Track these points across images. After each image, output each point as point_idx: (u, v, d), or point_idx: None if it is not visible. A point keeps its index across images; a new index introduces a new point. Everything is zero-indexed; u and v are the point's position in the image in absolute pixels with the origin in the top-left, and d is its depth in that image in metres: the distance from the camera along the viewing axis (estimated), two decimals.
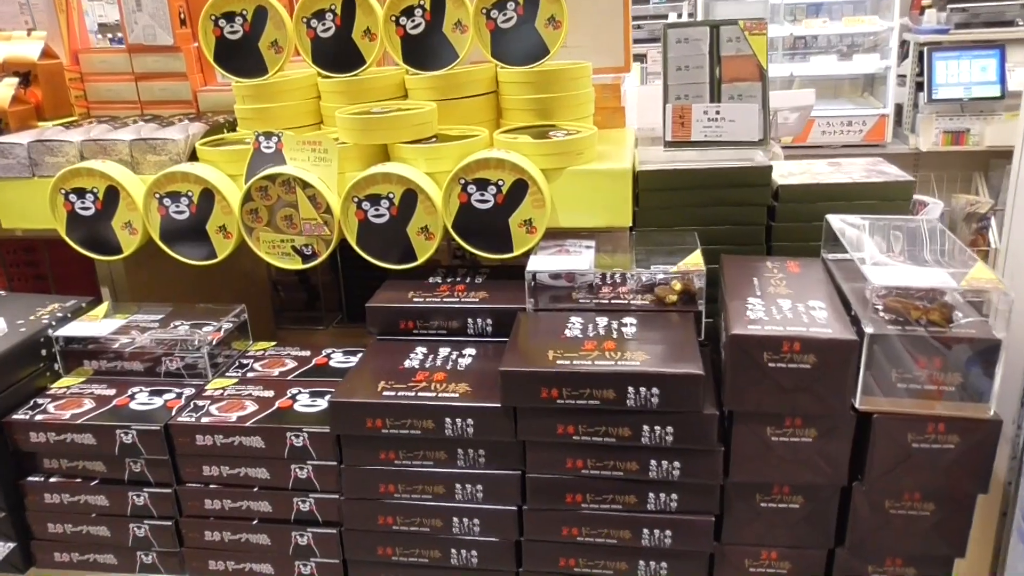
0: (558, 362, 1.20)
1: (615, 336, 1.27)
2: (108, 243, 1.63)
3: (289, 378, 1.48)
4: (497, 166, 1.45)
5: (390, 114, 1.56)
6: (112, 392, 1.45)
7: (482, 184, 1.47)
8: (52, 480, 1.41)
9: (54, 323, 1.53)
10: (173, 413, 1.37)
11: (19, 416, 1.39)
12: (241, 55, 1.73)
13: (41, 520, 1.43)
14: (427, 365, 1.36)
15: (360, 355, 1.55)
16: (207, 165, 1.59)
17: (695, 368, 1.16)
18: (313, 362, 1.54)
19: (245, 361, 1.56)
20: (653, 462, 1.21)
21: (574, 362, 1.19)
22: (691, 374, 1.15)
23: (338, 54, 1.71)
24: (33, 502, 1.42)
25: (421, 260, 1.54)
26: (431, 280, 1.56)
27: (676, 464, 1.21)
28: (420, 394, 1.26)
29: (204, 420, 1.34)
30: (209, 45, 1.73)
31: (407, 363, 1.37)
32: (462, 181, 1.47)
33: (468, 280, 1.55)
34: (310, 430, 1.31)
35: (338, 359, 1.54)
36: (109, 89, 1.99)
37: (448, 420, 1.24)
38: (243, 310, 1.61)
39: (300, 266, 1.58)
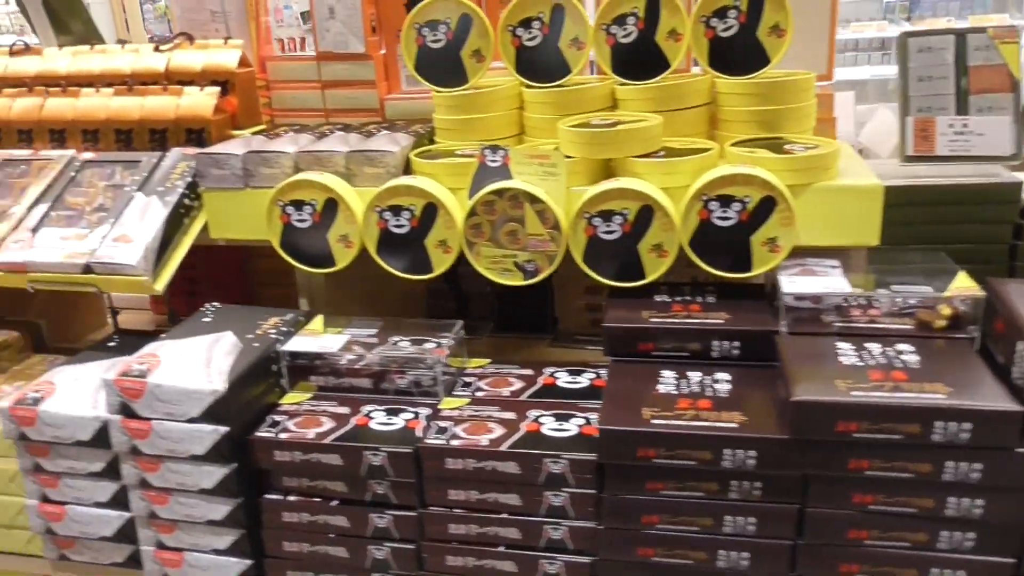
0: (853, 393, 1.14)
1: (899, 366, 1.21)
2: (321, 256, 1.61)
3: (522, 399, 1.45)
4: (744, 182, 1.39)
5: (620, 127, 1.51)
6: (346, 410, 1.43)
7: (726, 201, 1.41)
8: (291, 499, 1.39)
9: (281, 337, 1.52)
10: (419, 435, 1.34)
11: (263, 434, 1.37)
12: (442, 64, 1.70)
13: (276, 538, 1.42)
14: (684, 391, 1.31)
15: (586, 375, 1.51)
16: (429, 178, 1.56)
17: (1013, 405, 1.09)
18: (540, 382, 1.50)
19: (468, 379, 1.52)
20: (952, 500, 1.15)
21: (871, 394, 1.13)
22: (1010, 411, 1.08)
23: (543, 63, 1.67)
24: (270, 520, 1.41)
25: (650, 279, 1.49)
26: (657, 298, 1.50)
27: (978, 502, 1.14)
28: (693, 423, 1.21)
29: (454, 443, 1.31)
30: (411, 54, 1.70)
31: (660, 388, 1.32)
32: (704, 197, 1.42)
33: (699, 299, 1.49)
34: (571, 457, 1.27)
35: (565, 379, 1.50)
36: (295, 97, 1.99)
37: (728, 452, 1.19)
38: (462, 326, 1.58)
39: (521, 282, 1.55)
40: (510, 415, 1.38)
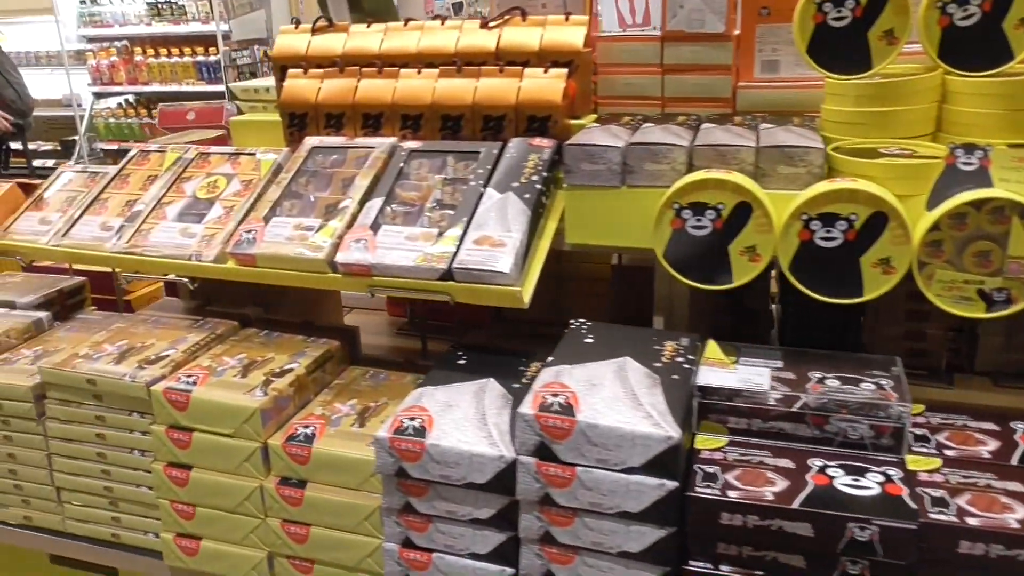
0: None
1: None
2: (714, 268, 1.35)
3: (1014, 463, 1.15)
4: None
5: None
6: (789, 463, 1.16)
7: None
8: (725, 570, 1.13)
9: (691, 368, 1.26)
10: (911, 505, 1.06)
11: (707, 492, 1.11)
12: (840, 46, 1.42)
13: None
14: None
15: None
16: (873, 183, 1.28)
17: None
18: (1021, 441, 1.20)
19: (916, 431, 1.24)
20: None
21: None
22: None
23: (978, 47, 1.37)
24: None
25: None
26: None
27: None
28: None
29: (971, 522, 1.03)
30: (805, 33, 1.43)
31: None
32: None
33: None
34: None
35: None
36: (628, 83, 1.73)
37: None
38: (896, 363, 1.30)
39: (982, 315, 1.25)
40: (1017, 487, 1.09)
